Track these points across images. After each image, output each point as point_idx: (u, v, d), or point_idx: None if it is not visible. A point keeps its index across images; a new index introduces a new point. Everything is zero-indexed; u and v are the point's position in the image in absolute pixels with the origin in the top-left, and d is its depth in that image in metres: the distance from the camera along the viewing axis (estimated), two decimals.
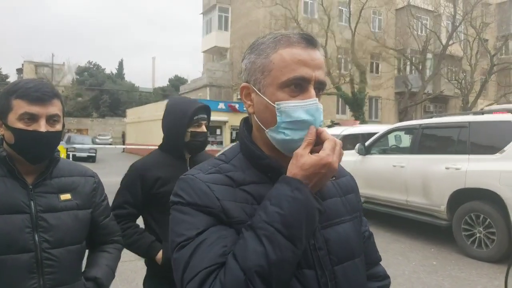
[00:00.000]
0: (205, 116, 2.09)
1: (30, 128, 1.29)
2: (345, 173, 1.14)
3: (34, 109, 1.29)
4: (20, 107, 1.29)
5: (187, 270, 0.83)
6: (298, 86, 0.89)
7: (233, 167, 0.96)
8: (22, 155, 1.33)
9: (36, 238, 1.32)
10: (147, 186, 1.96)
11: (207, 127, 2.11)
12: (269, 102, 0.90)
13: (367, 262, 1.10)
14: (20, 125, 1.29)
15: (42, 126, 1.30)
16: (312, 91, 0.89)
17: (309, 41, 0.92)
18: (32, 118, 1.30)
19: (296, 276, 0.88)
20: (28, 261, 1.29)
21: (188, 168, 2.01)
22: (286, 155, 0.92)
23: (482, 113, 6.05)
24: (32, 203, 1.34)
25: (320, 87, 0.92)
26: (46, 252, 1.33)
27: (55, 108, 1.34)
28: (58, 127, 1.36)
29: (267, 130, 0.92)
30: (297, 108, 0.88)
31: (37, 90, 1.31)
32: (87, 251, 1.57)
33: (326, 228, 0.96)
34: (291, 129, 0.89)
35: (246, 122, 1.02)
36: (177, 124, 2.01)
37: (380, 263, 1.20)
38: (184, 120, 2.00)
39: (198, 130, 2.04)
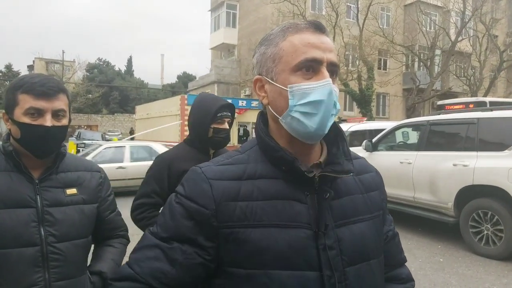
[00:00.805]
0: (229, 113, 2.17)
1: (36, 123, 1.30)
2: (370, 169, 1.09)
3: (40, 103, 1.30)
4: (26, 101, 1.29)
5: (133, 254, 0.94)
6: (310, 68, 0.88)
7: (247, 158, 0.95)
8: (28, 149, 1.34)
9: (42, 232, 1.32)
10: (173, 178, 2.03)
11: (230, 124, 2.18)
12: (282, 87, 0.89)
13: (390, 263, 1.07)
14: (26, 120, 1.30)
15: (48, 121, 1.30)
16: (326, 72, 0.88)
17: (317, 27, 0.91)
18: (38, 112, 1.30)
19: (294, 278, 0.87)
20: (33, 255, 1.30)
21: None
22: (304, 142, 0.92)
23: (491, 109, 6.00)
24: (38, 197, 1.34)
25: (333, 69, 0.90)
26: (52, 246, 1.33)
27: (61, 103, 1.34)
28: (64, 121, 1.37)
29: (280, 118, 0.91)
30: (310, 89, 0.87)
31: (43, 85, 1.31)
32: (93, 245, 1.58)
33: (341, 227, 0.92)
34: (304, 112, 0.88)
35: (262, 115, 1.00)
36: (202, 120, 2.11)
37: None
38: (208, 117, 2.10)
39: (220, 126, 2.13)
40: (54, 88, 1.33)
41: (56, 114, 1.34)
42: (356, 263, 0.92)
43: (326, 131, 0.90)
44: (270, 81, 0.92)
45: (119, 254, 1.59)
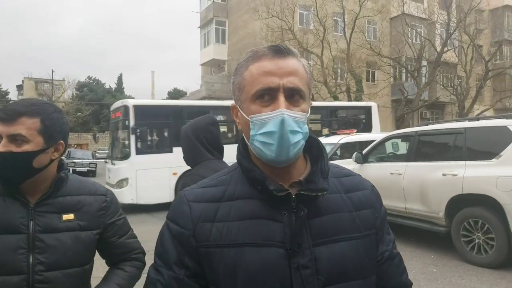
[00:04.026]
0: None
1: None
2: (364, 186, 1.06)
3: None
4: None
5: None
6: (267, 97, 0.89)
7: (229, 179, 0.98)
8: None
9: (31, 260, 1.27)
10: None
11: (182, 144, 2.30)
12: (246, 116, 0.92)
13: (387, 285, 1.03)
14: None
15: (0, 146, 1.25)
16: (281, 100, 0.88)
17: (277, 51, 0.92)
18: None
19: None
20: (18, 284, 1.25)
21: None
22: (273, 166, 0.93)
23: (478, 119, 6.10)
24: (31, 223, 1.30)
25: (293, 93, 0.90)
26: (39, 275, 1.28)
27: (20, 127, 1.27)
28: (26, 147, 1.28)
29: (249, 144, 0.95)
30: (266, 119, 0.89)
31: (3, 109, 1.28)
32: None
33: (319, 246, 0.91)
34: (262, 141, 0.90)
35: (243, 138, 1.01)
36: None
37: None
38: None
39: None
40: (9, 112, 1.27)
41: (15, 140, 1.27)
42: (334, 283, 0.91)
43: (291, 157, 0.91)
44: (239, 109, 0.96)
45: (128, 278, 1.49)
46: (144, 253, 1.61)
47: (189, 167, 2.23)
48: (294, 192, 0.92)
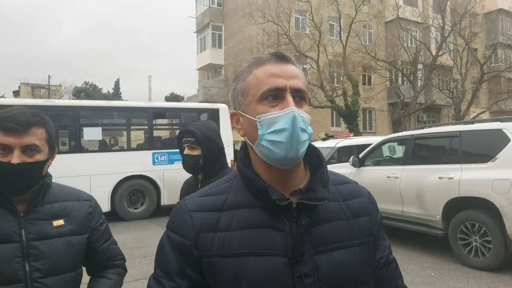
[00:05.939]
0: (191, 139, 2.17)
1: (4, 160, 1.25)
2: (361, 193, 1.06)
3: (8, 140, 1.25)
4: None
5: None
6: (275, 97, 0.91)
7: (229, 187, 0.99)
8: (2, 186, 1.30)
9: (27, 268, 1.29)
10: None
11: (203, 147, 2.14)
12: (252, 118, 0.93)
13: None
14: None
15: (15, 158, 1.25)
16: (289, 99, 0.90)
17: (279, 57, 0.95)
18: (7, 149, 1.26)
19: None
20: None
21: (199, 187, 2.16)
22: (282, 169, 0.93)
23: (473, 122, 6.13)
24: (23, 231, 1.31)
25: (299, 95, 0.93)
26: (37, 282, 1.29)
27: (32, 138, 1.28)
28: (38, 157, 1.31)
29: (254, 146, 0.94)
30: (276, 118, 0.90)
31: (12, 120, 1.26)
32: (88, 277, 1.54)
33: (320, 254, 0.93)
34: (271, 140, 0.90)
35: (244, 146, 1.02)
36: (179, 149, 2.28)
37: None
38: (180, 146, 2.26)
39: (187, 152, 2.20)
40: (23, 123, 1.27)
41: (27, 150, 1.28)
42: None
43: (299, 156, 0.92)
44: (242, 113, 0.96)
45: (112, 285, 1.52)
46: (124, 260, 1.65)
47: None
48: (294, 201, 0.93)
